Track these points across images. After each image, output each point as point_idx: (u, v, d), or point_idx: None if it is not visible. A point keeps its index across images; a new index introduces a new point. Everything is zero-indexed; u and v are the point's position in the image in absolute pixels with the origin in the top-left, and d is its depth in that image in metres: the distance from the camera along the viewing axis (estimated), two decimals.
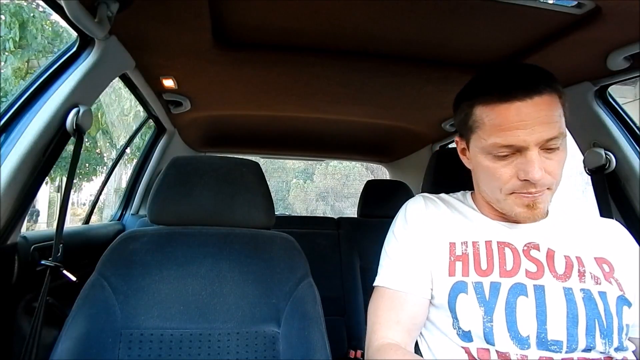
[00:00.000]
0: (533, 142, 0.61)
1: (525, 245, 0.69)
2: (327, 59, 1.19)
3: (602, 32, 0.91)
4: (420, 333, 0.74)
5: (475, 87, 0.68)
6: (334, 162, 10.03)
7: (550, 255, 0.68)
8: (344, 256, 1.89)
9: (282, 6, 0.92)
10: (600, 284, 0.65)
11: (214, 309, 0.86)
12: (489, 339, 0.63)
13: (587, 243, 0.70)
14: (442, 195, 0.81)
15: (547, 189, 0.65)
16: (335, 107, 1.65)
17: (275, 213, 1.02)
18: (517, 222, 0.71)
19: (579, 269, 0.66)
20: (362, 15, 0.95)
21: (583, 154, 1.25)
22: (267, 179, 1.02)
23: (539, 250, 0.69)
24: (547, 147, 0.62)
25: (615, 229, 0.74)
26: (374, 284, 0.76)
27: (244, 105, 1.66)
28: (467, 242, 0.71)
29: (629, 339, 0.66)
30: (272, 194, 1.04)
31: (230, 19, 1.00)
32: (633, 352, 0.66)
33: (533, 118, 0.61)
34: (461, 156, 0.76)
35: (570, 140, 1.32)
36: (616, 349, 0.63)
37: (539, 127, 0.60)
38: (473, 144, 0.69)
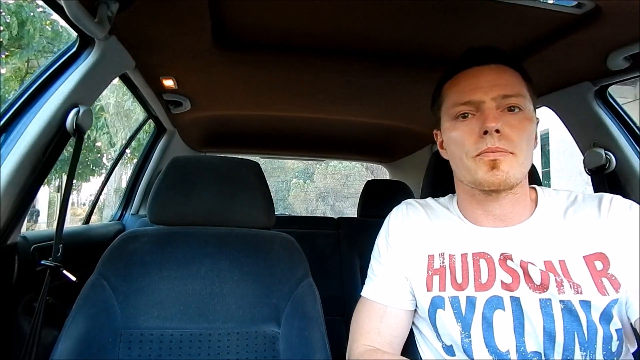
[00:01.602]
0: (489, 97, 0.65)
1: (501, 255, 0.67)
2: (327, 59, 1.19)
3: (602, 32, 0.91)
4: (418, 343, 0.75)
5: (444, 75, 0.75)
6: (334, 162, 10.04)
7: (524, 266, 0.65)
8: (344, 256, 1.89)
9: (282, 6, 0.92)
10: (581, 293, 0.61)
11: (214, 309, 0.86)
12: (468, 354, 0.63)
13: (576, 241, 0.65)
14: (428, 200, 0.81)
15: (510, 153, 0.64)
16: (335, 107, 1.65)
17: (275, 213, 1.02)
18: (502, 223, 0.69)
19: (555, 279, 0.63)
20: (362, 16, 0.95)
21: (583, 154, 1.26)
22: (267, 179, 1.02)
23: (512, 260, 0.66)
24: (506, 105, 0.65)
25: (615, 209, 0.67)
26: (361, 293, 0.78)
27: (244, 105, 1.66)
28: (444, 253, 0.71)
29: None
30: (272, 194, 1.04)
31: (230, 19, 1.00)
32: (633, 353, 0.65)
33: (491, 80, 0.66)
34: (440, 150, 0.78)
35: (570, 140, 1.32)
36: (608, 358, 0.60)
37: (495, 88, 0.66)
38: (443, 123, 0.73)
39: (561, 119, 1.33)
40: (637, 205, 0.68)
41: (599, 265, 0.63)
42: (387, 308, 0.73)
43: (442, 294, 0.68)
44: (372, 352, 0.70)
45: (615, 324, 0.61)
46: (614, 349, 0.61)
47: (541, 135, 9.64)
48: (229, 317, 0.86)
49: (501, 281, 0.65)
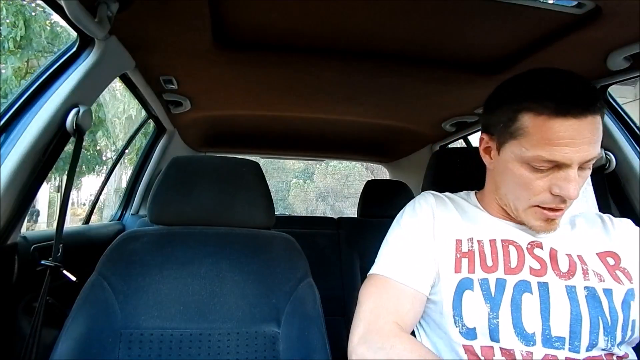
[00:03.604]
0: (577, 161, 0.60)
1: (529, 244, 0.70)
2: (327, 59, 1.19)
3: (602, 32, 0.91)
4: (418, 332, 0.74)
5: (525, 92, 0.63)
6: (334, 162, 10.03)
7: (553, 254, 0.68)
8: (344, 256, 1.89)
9: (282, 6, 0.92)
10: (604, 281, 0.66)
11: (214, 309, 0.86)
12: (494, 335, 0.63)
13: (588, 241, 0.71)
14: (447, 193, 0.81)
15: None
16: (336, 107, 1.65)
17: (275, 213, 1.02)
18: (522, 223, 0.71)
19: (582, 267, 0.67)
20: (362, 16, 0.95)
21: None
22: (267, 179, 1.02)
23: (542, 248, 0.69)
24: (584, 166, 0.63)
25: (621, 224, 0.74)
26: (369, 273, 0.73)
27: (244, 105, 1.66)
28: (472, 238, 0.71)
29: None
30: (272, 194, 1.04)
31: (230, 19, 1.00)
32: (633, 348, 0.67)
33: (583, 137, 0.59)
34: (483, 154, 0.73)
35: None
36: (619, 344, 0.63)
37: (586, 147, 0.60)
38: (509, 149, 0.66)
39: None
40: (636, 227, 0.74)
41: (611, 261, 0.68)
42: (406, 288, 0.69)
43: (471, 275, 0.67)
44: (409, 339, 0.64)
45: (632, 314, 0.64)
46: (628, 337, 0.64)
47: None
48: (229, 317, 0.86)
49: (530, 267, 0.67)
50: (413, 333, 0.73)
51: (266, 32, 1.06)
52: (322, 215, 7.26)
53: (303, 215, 5.76)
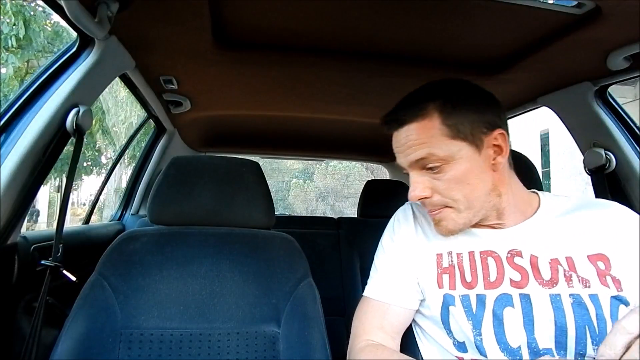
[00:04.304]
0: (406, 164, 0.68)
1: (508, 252, 0.68)
2: (327, 59, 1.19)
3: (602, 32, 0.91)
4: (418, 342, 0.75)
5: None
6: (334, 162, 10.04)
7: (533, 261, 0.66)
8: (344, 256, 1.88)
9: (282, 6, 0.92)
10: (589, 287, 0.63)
11: (214, 309, 0.86)
12: (481, 351, 0.64)
13: (580, 240, 0.67)
14: None
15: (447, 207, 0.67)
16: (335, 107, 1.65)
17: (275, 213, 1.02)
18: (500, 226, 0.71)
19: (564, 274, 0.64)
20: (362, 16, 0.95)
21: (583, 154, 1.26)
22: (267, 179, 1.02)
23: (522, 257, 0.67)
24: (426, 167, 0.67)
25: (615, 216, 0.69)
26: (363, 294, 0.78)
27: (244, 105, 1.65)
28: (452, 252, 0.72)
29: None
30: (272, 194, 1.04)
31: (230, 19, 1.00)
32: None
33: (403, 144, 0.68)
34: None
35: (570, 140, 1.32)
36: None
37: (408, 151, 0.67)
38: None
39: (561, 119, 1.33)
40: (634, 213, 0.70)
41: (601, 265, 0.65)
42: (390, 306, 0.73)
43: (452, 292, 0.69)
44: (374, 346, 0.71)
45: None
46: None
47: (541, 135, 9.65)
48: (229, 317, 0.86)
49: (510, 279, 0.66)
50: (409, 344, 0.75)
51: (266, 32, 1.06)
52: (322, 215, 7.26)
53: (303, 215, 5.76)
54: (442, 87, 0.70)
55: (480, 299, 0.66)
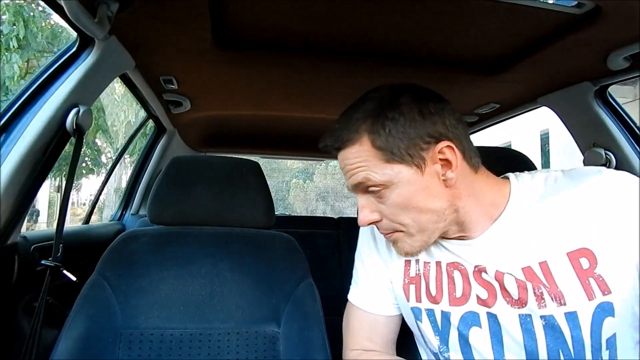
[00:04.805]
0: (350, 188, 0.64)
1: (475, 267, 0.62)
2: (327, 59, 1.19)
3: (602, 32, 0.91)
4: (418, 343, 0.74)
5: None
6: (334, 162, 10.01)
7: (499, 278, 0.59)
8: (344, 256, 1.89)
9: (282, 6, 0.92)
10: (565, 304, 0.55)
11: (214, 309, 0.86)
12: None
13: (557, 236, 0.57)
14: None
15: (398, 231, 0.62)
16: (335, 107, 1.64)
17: (275, 213, 1.02)
18: (466, 237, 0.64)
19: (535, 292, 0.56)
20: (362, 16, 0.95)
21: (583, 154, 1.26)
22: (267, 179, 1.02)
23: (486, 272, 0.60)
24: (367, 191, 0.62)
25: (602, 187, 0.57)
26: (348, 297, 0.77)
27: (244, 105, 1.65)
28: (419, 260, 0.67)
29: None
30: (272, 194, 1.04)
31: (230, 19, 1.00)
32: None
33: (342, 167, 0.64)
34: None
35: (570, 140, 1.32)
36: None
37: (347, 175, 0.63)
38: None
39: (561, 119, 1.33)
40: (630, 176, 0.58)
41: (585, 263, 0.55)
42: (376, 317, 0.72)
43: (418, 305, 0.66)
44: (365, 354, 0.70)
45: (607, 333, 0.54)
46: (605, 357, 0.55)
47: (541, 135, 9.65)
48: (229, 317, 0.86)
49: (477, 296, 0.60)
50: (409, 345, 0.74)
51: (266, 32, 1.06)
52: (322, 215, 7.26)
53: (303, 215, 5.76)
54: (374, 102, 0.62)
55: (445, 316, 0.62)
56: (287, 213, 8.36)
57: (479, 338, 0.59)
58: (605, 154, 1.18)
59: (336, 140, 0.63)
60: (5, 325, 0.92)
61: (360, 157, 0.60)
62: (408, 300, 0.67)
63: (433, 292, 0.64)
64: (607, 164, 1.18)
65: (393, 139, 0.58)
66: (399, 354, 0.73)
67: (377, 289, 0.72)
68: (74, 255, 1.03)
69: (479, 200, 0.62)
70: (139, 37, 1.02)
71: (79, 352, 0.76)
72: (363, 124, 0.60)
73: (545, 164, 9.58)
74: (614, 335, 0.55)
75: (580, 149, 1.28)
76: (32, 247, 0.99)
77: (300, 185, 11.04)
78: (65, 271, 0.93)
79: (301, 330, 0.85)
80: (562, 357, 0.55)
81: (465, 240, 0.63)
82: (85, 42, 0.96)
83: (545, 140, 9.58)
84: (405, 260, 0.69)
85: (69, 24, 0.89)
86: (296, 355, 0.83)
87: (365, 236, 0.77)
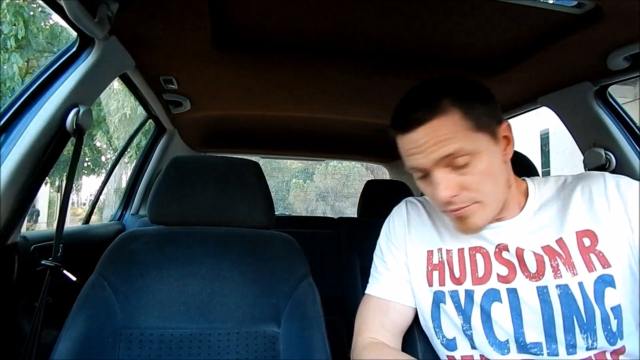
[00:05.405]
0: (430, 164, 0.63)
1: (496, 247, 0.69)
2: (327, 58, 1.19)
3: (602, 32, 0.91)
4: (417, 342, 0.76)
5: (392, 117, 0.71)
6: (334, 162, 10.02)
7: (519, 254, 0.66)
8: (344, 256, 1.89)
9: (282, 6, 0.92)
10: (576, 274, 0.63)
11: (214, 309, 0.86)
12: (472, 344, 0.66)
13: (568, 219, 0.66)
14: (428, 197, 0.79)
15: (476, 202, 0.64)
16: (335, 107, 1.65)
17: (275, 213, 1.02)
18: (498, 219, 0.70)
19: (551, 264, 0.64)
20: (362, 16, 0.95)
21: (583, 154, 1.26)
22: (267, 179, 1.02)
23: (508, 250, 0.67)
24: (452, 165, 0.63)
25: (603, 185, 0.67)
26: (365, 292, 0.79)
27: (243, 105, 1.66)
28: (442, 249, 0.73)
29: None
30: (272, 194, 1.04)
31: (230, 18, 1.00)
32: None
33: (422, 144, 0.63)
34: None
35: (570, 140, 1.32)
36: (609, 341, 0.60)
37: (432, 149, 0.63)
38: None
39: (561, 119, 1.33)
40: (626, 179, 0.67)
41: (586, 241, 0.64)
42: (391, 303, 0.74)
43: (442, 288, 0.70)
44: (376, 344, 0.72)
45: (610, 302, 0.61)
46: (614, 328, 0.61)
47: (541, 135, 9.65)
48: (229, 317, 0.86)
49: (497, 274, 0.67)
50: (410, 343, 0.76)
51: (266, 32, 1.06)
52: (322, 215, 7.26)
53: (303, 215, 5.76)
54: (448, 83, 0.68)
55: (469, 294, 0.67)
56: (287, 213, 8.36)
57: (500, 312, 0.65)
58: (605, 154, 1.18)
59: (420, 113, 0.63)
60: (5, 325, 0.92)
61: (451, 128, 0.62)
62: (431, 285, 0.71)
63: (457, 274, 0.69)
64: (607, 164, 1.18)
65: (478, 112, 0.64)
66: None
67: (396, 280, 0.75)
68: (74, 255, 1.03)
69: (515, 185, 0.71)
70: (139, 37, 1.03)
71: (79, 352, 0.76)
72: (446, 99, 0.64)
73: (545, 164, 9.58)
74: (619, 306, 0.61)
75: (580, 149, 1.28)
76: (32, 247, 0.99)
77: (300, 185, 11.04)
78: (65, 271, 0.93)
79: (301, 330, 0.85)
80: (576, 322, 0.61)
81: (492, 222, 0.69)
82: (85, 42, 0.96)
83: (545, 140, 9.58)
84: (428, 251, 0.74)
85: (69, 24, 0.89)
86: (296, 355, 0.83)
87: (384, 233, 0.81)
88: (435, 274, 0.71)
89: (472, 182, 0.64)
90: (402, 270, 0.75)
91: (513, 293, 0.65)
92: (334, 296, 1.76)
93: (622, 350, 0.61)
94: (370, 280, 0.80)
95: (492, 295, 0.66)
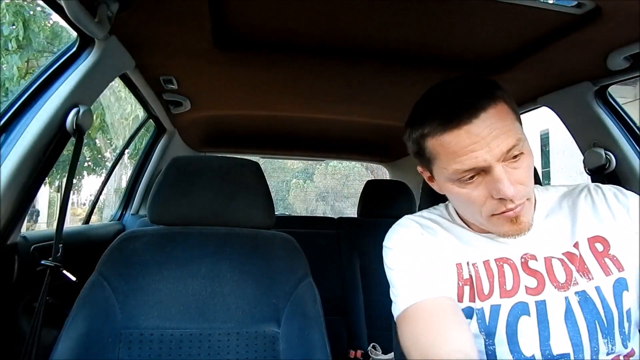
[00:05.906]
0: (494, 159, 0.57)
1: (522, 257, 0.65)
2: (327, 59, 1.19)
3: (602, 32, 0.91)
4: None
5: (418, 119, 0.64)
6: (334, 162, 10.02)
7: (548, 264, 0.64)
8: (344, 256, 1.89)
9: (282, 6, 0.92)
10: (592, 279, 0.62)
11: (214, 309, 0.86)
12: (492, 358, 0.62)
13: (578, 224, 0.66)
14: (424, 214, 0.74)
15: (527, 200, 0.61)
16: (335, 107, 1.65)
17: (275, 213, 1.02)
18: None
19: (571, 272, 0.63)
20: (362, 16, 0.95)
21: (583, 154, 1.25)
22: (267, 179, 1.02)
23: (536, 260, 0.65)
24: (510, 157, 0.58)
25: (604, 195, 0.68)
26: (396, 317, 0.64)
27: (244, 105, 1.66)
28: (468, 262, 0.66)
29: None
30: (272, 194, 1.04)
31: (230, 19, 1.00)
32: None
33: (484, 136, 0.57)
34: (430, 183, 0.70)
35: (570, 140, 1.32)
36: (623, 341, 0.61)
37: (495, 142, 0.57)
38: (437, 174, 0.65)
39: (561, 119, 1.33)
40: (620, 189, 0.69)
41: (599, 247, 0.64)
42: (446, 299, 0.63)
43: (472, 304, 0.64)
44: None
45: (626, 305, 0.61)
46: (627, 331, 0.61)
47: (541, 135, 9.65)
48: (229, 317, 0.86)
49: (526, 286, 0.63)
50: None
51: (266, 32, 1.06)
52: (322, 215, 7.25)
53: (303, 215, 5.76)
54: (471, 78, 0.64)
55: (495, 310, 0.63)
56: (287, 213, 8.36)
57: (527, 326, 0.62)
58: (605, 154, 1.18)
59: (482, 100, 0.58)
60: (5, 325, 0.92)
61: (507, 116, 0.59)
62: (461, 301, 0.65)
63: (486, 290, 0.64)
64: (607, 164, 1.18)
65: (513, 102, 0.61)
66: None
67: (429, 276, 0.64)
68: (74, 255, 1.03)
69: None
70: (139, 37, 1.03)
71: (79, 352, 0.76)
72: (491, 87, 0.60)
73: (545, 164, 9.58)
74: (630, 309, 0.61)
75: (580, 149, 1.28)
76: (32, 247, 0.99)
77: (300, 185, 11.03)
78: (65, 271, 0.93)
79: (301, 330, 0.85)
80: (598, 329, 0.60)
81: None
82: (85, 42, 0.96)
83: (545, 140, 9.58)
84: (457, 264, 0.66)
85: (69, 24, 0.89)
86: (296, 355, 0.83)
87: (391, 249, 0.69)
88: (467, 289, 0.65)
89: (524, 177, 0.59)
90: (430, 268, 0.65)
91: (541, 305, 0.62)
92: (334, 296, 1.76)
93: (632, 353, 0.62)
94: (397, 300, 0.65)
95: (520, 309, 0.62)
